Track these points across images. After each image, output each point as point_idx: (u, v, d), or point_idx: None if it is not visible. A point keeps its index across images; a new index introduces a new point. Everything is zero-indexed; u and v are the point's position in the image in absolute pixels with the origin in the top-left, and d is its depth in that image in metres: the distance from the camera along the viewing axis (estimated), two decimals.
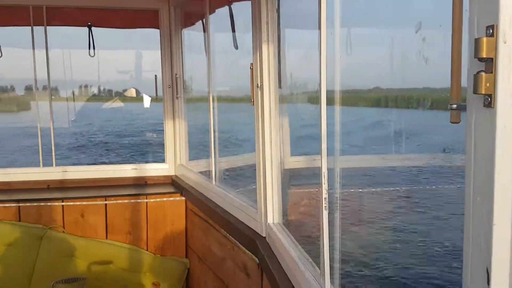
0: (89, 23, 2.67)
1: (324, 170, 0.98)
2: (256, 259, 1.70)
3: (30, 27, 2.64)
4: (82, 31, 2.80)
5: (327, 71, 1.04)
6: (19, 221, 2.54)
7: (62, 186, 2.82)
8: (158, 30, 2.86)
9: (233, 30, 2.05)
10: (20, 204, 2.53)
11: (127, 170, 2.97)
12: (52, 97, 2.93)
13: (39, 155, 2.84)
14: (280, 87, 1.53)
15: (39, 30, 2.70)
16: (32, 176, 2.79)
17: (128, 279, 2.56)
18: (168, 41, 2.83)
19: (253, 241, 1.71)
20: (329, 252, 1.05)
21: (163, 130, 2.98)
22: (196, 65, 3.02)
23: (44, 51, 2.77)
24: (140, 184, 2.93)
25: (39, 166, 2.83)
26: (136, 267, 2.61)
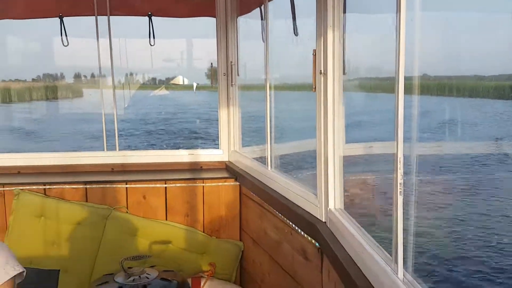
0: (149, 13, 2.77)
1: (400, 155, 0.99)
2: (316, 244, 1.73)
3: (94, 17, 2.77)
4: (141, 21, 2.92)
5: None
6: (86, 201, 2.71)
7: (125, 169, 2.97)
8: (212, 19, 2.93)
9: (294, 17, 2.07)
10: (87, 186, 2.70)
11: (183, 156, 3.07)
12: (107, 84, 3.08)
13: (103, 140, 3.00)
14: (344, 73, 1.53)
15: (102, 19, 2.83)
16: (97, 159, 2.96)
17: (186, 259, 2.68)
18: (224, 29, 2.88)
19: (313, 225, 1.75)
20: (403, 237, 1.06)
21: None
22: (250, 53, 3.06)
23: (107, 40, 2.90)
24: (196, 169, 3.04)
25: (103, 150, 3.00)
26: (193, 247, 2.72)
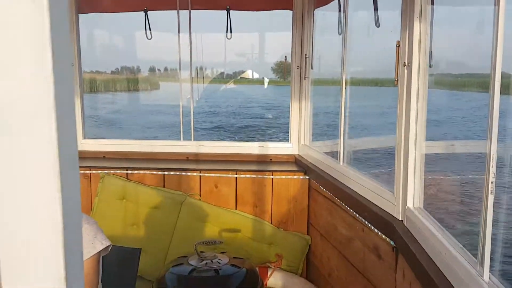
0: (227, 7, 2.85)
1: (493, 153, 0.94)
2: (391, 242, 1.69)
3: (176, 11, 2.90)
4: (218, 15, 3.00)
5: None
6: (164, 187, 2.85)
7: (198, 158, 3.09)
8: (286, 11, 2.94)
9: (375, 7, 2.02)
10: (165, 173, 2.84)
11: (253, 148, 3.13)
12: (179, 78, 3.20)
13: (180, 130, 3.15)
14: (430, 66, 1.48)
15: (183, 14, 2.95)
16: (174, 148, 3.10)
17: (253, 248, 2.74)
18: (300, 21, 2.88)
19: (389, 223, 1.71)
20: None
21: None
22: (325, 46, 3.03)
23: (186, 34, 3.02)
24: (265, 161, 3.08)
25: (179, 139, 3.14)
26: (261, 238, 2.77)
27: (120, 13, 2.95)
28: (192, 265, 2.10)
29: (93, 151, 3.06)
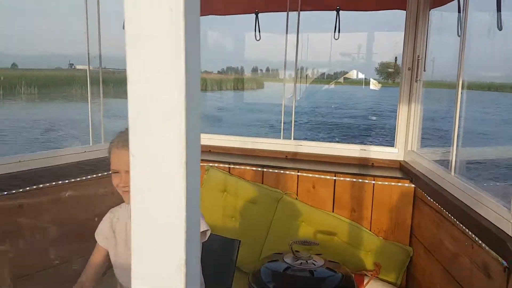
0: (338, 7, 2.81)
1: None
2: (503, 262, 1.53)
3: (285, 13, 2.94)
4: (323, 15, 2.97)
5: None
6: (262, 183, 2.93)
7: (297, 158, 3.11)
8: (397, 11, 2.81)
9: (499, 8, 1.83)
10: (264, 170, 2.91)
11: (354, 150, 3.05)
12: (283, 78, 3.23)
13: (281, 129, 3.20)
14: None
15: (291, 15, 2.99)
16: (274, 146, 3.16)
17: (349, 253, 2.67)
18: (413, 21, 2.73)
19: (502, 242, 1.55)
20: None
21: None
22: (439, 47, 2.84)
23: (293, 35, 3.05)
24: (367, 165, 2.98)
25: (279, 138, 3.19)
26: (358, 244, 2.69)
27: (232, 15, 3.08)
28: (287, 263, 2.12)
29: (202, 145, 3.24)
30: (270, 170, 2.91)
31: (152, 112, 0.48)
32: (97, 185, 2.55)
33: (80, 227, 2.42)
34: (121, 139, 1.49)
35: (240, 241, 1.80)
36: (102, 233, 1.64)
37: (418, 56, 2.73)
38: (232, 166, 2.98)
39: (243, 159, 3.04)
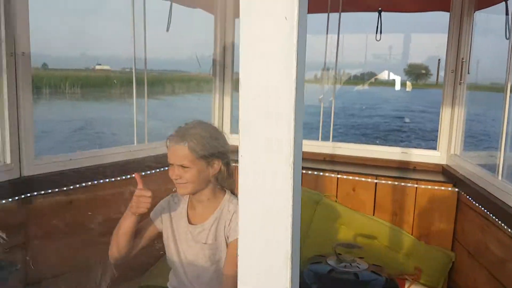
0: (379, 8, 2.79)
1: None
2: None
3: (326, 14, 2.95)
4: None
5: None
6: (301, 185, 2.93)
7: (335, 160, 3.11)
8: (439, 13, 2.77)
9: None
10: (303, 171, 2.92)
11: (395, 153, 3.02)
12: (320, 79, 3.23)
13: (319, 130, 3.20)
14: None
15: (332, 16, 2.99)
16: (312, 148, 3.17)
17: (390, 257, 2.65)
18: (457, 23, 2.69)
19: None
20: None
21: None
22: (485, 50, 2.78)
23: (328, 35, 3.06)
24: (408, 168, 2.95)
25: (317, 139, 3.20)
26: (399, 248, 2.67)
27: None
28: (330, 265, 2.12)
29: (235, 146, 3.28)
30: (309, 172, 2.91)
31: (262, 114, 0.51)
32: (152, 180, 2.62)
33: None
34: (178, 134, 1.55)
35: None
36: (158, 213, 1.71)
37: (462, 59, 2.68)
38: None
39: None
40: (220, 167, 1.59)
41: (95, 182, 2.40)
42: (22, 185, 2.11)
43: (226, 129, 3.35)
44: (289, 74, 0.49)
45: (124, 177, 2.52)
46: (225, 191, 1.66)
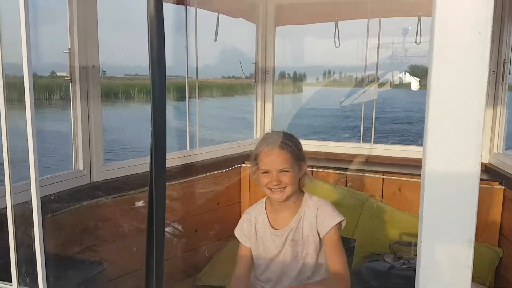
0: (419, 14, 2.88)
1: None
2: None
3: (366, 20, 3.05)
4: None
5: None
6: (346, 186, 3.02)
7: (378, 161, 3.18)
8: None
9: None
10: (348, 172, 3.01)
11: None
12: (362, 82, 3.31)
13: (360, 132, 3.29)
14: None
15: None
16: (354, 150, 3.25)
17: None
18: (498, 25, 2.76)
19: None
20: None
21: None
22: None
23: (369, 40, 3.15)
24: None
25: (359, 142, 3.29)
26: None
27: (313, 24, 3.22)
28: (389, 262, 2.20)
29: None
30: (354, 173, 3.00)
31: (451, 120, 0.61)
32: (192, 187, 2.73)
33: (183, 224, 2.61)
34: (271, 140, 1.65)
35: (355, 240, 1.90)
36: (243, 233, 1.79)
37: (504, 60, 2.75)
38: (315, 169, 3.09)
39: (325, 163, 3.15)
40: (306, 169, 1.70)
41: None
42: (92, 190, 2.24)
43: None
44: (480, 85, 0.58)
45: (180, 181, 2.63)
46: (303, 191, 1.76)
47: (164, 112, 0.69)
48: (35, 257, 0.92)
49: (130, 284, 2.32)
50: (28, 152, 0.89)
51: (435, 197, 0.63)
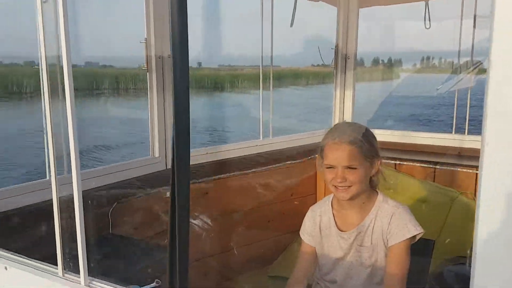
0: None
1: None
2: None
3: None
4: None
5: None
6: (433, 181, 2.76)
7: (472, 154, 2.86)
8: None
9: None
10: (436, 167, 2.75)
11: None
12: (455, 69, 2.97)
13: (453, 123, 2.98)
14: None
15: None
16: (444, 141, 2.96)
17: None
18: None
19: None
20: None
21: None
22: None
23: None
24: None
25: (451, 132, 2.98)
26: None
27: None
28: None
29: None
30: (444, 168, 2.73)
31: None
32: (265, 177, 2.70)
33: (255, 214, 2.60)
34: (339, 132, 1.52)
35: (434, 241, 1.72)
36: (307, 231, 1.69)
37: None
38: (398, 162, 2.87)
39: (410, 155, 2.91)
40: (379, 166, 1.55)
41: (229, 174, 2.52)
42: (167, 177, 2.31)
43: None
44: None
45: (253, 170, 2.62)
46: (377, 191, 1.61)
47: (187, 105, 0.64)
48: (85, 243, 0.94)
49: (197, 269, 2.37)
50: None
51: (493, 190, 0.51)
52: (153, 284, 1.08)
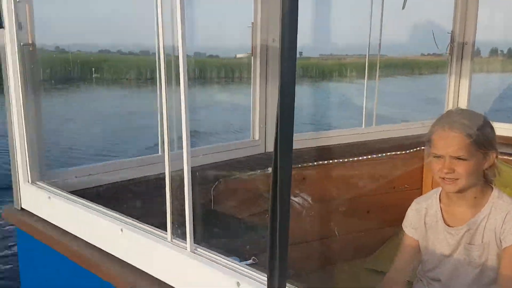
0: None
1: None
2: None
3: None
4: None
5: None
6: None
7: None
8: None
9: None
10: None
11: None
12: None
13: None
14: None
15: None
16: None
17: None
18: None
19: None
20: None
21: None
22: None
23: None
24: None
25: None
26: None
27: None
28: None
29: None
30: None
31: None
32: (366, 167, 2.61)
33: (354, 203, 2.54)
34: (449, 119, 1.41)
35: None
36: (410, 224, 1.62)
37: None
38: None
39: None
40: (494, 160, 1.42)
41: (328, 161, 2.49)
42: (266, 160, 2.36)
43: None
44: None
45: (354, 159, 2.55)
46: (492, 186, 1.47)
47: (293, 89, 0.64)
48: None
49: (293, 253, 2.39)
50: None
51: None
52: (250, 261, 1.12)
